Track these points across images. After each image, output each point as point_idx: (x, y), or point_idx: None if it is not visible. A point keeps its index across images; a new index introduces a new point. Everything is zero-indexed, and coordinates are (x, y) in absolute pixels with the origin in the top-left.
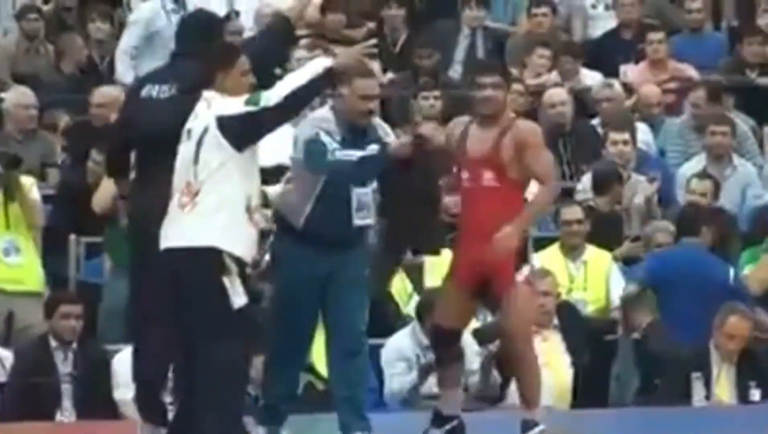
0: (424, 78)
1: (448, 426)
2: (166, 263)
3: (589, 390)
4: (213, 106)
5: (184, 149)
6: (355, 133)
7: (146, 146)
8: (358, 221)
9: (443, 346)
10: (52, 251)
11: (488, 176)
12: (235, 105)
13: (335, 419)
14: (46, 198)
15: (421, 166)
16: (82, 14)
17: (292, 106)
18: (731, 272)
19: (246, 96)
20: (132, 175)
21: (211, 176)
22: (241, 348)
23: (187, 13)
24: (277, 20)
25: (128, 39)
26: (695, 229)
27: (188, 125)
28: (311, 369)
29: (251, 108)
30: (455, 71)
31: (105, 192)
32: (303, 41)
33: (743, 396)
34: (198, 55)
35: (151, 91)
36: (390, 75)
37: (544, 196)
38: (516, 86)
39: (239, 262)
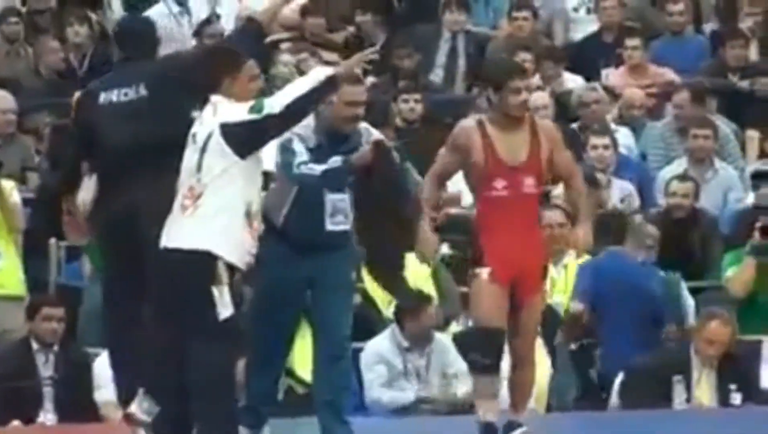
0: (404, 81)
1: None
2: (163, 263)
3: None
4: (218, 112)
5: (189, 154)
6: (336, 139)
7: (117, 151)
8: (331, 227)
9: (498, 348)
10: (32, 254)
11: (529, 183)
12: (239, 112)
13: (315, 423)
14: (26, 202)
15: (381, 173)
16: (60, 18)
17: (295, 114)
18: (659, 280)
19: (250, 103)
20: (86, 185)
21: (214, 181)
22: (227, 352)
23: (123, 19)
24: (247, 23)
25: None
26: (619, 237)
27: (193, 130)
28: (291, 373)
29: (254, 116)
30: (437, 75)
31: (83, 197)
32: (285, 45)
33: (724, 400)
34: (150, 56)
35: (110, 96)
36: (371, 79)
37: (584, 188)
38: None
39: (232, 269)
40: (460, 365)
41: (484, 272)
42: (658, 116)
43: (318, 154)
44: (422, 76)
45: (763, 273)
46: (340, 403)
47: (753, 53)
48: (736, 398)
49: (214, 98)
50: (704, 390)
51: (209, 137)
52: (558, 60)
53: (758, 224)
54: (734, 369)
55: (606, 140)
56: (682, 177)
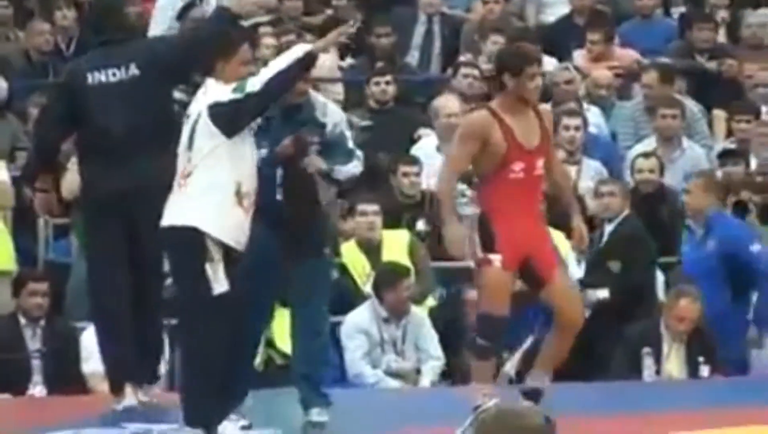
0: (381, 62)
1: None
2: (158, 241)
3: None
4: (208, 93)
5: (184, 133)
6: (288, 110)
7: (110, 131)
8: (279, 197)
9: (499, 335)
10: (22, 231)
11: (539, 165)
12: (224, 93)
13: (295, 393)
14: (15, 180)
15: (298, 165)
16: (48, 1)
17: (275, 91)
18: None
19: (234, 84)
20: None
21: (203, 160)
22: (217, 328)
23: (95, 2)
24: (220, 10)
25: (159, 24)
26: None
27: (188, 111)
28: (271, 345)
29: (237, 95)
30: (412, 57)
31: (73, 178)
32: (265, 29)
33: (693, 372)
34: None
35: (99, 77)
36: (348, 60)
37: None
38: (472, 71)
39: (224, 247)
40: (432, 341)
41: (496, 260)
42: (627, 97)
43: (269, 126)
44: (398, 58)
45: None
46: (318, 376)
47: (721, 36)
48: (705, 370)
49: (209, 81)
50: (674, 363)
51: (198, 117)
52: (531, 42)
53: (731, 199)
54: (702, 342)
55: (578, 121)
56: (647, 154)
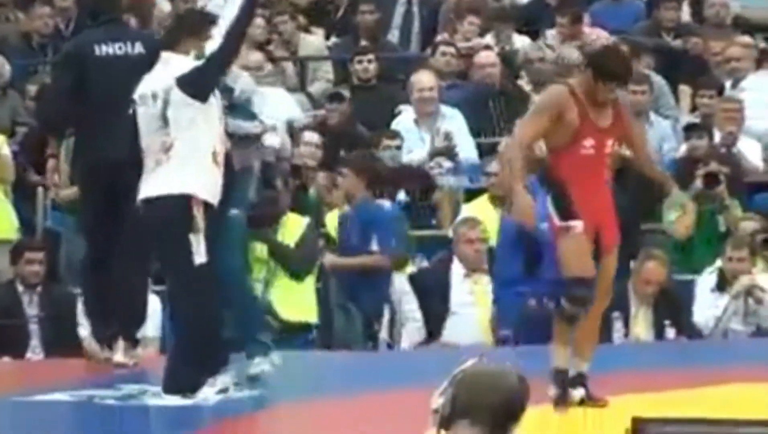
0: (365, 41)
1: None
2: (143, 213)
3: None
4: (172, 67)
5: (151, 112)
6: None
7: (111, 101)
8: None
9: (591, 297)
10: (22, 200)
11: (609, 144)
12: (188, 63)
13: (298, 356)
14: (15, 154)
15: None
16: None
17: (233, 43)
18: None
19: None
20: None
21: (182, 131)
22: (203, 297)
23: None
24: None
25: None
26: None
27: (151, 88)
28: (269, 311)
29: (200, 62)
30: (393, 36)
31: None
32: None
33: (659, 334)
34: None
35: (108, 50)
36: (333, 39)
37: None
38: (448, 49)
39: (208, 208)
40: (412, 310)
41: (578, 225)
42: None
43: None
44: (381, 37)
45: (700, 218)
46: (251, 325)
47: (686, 15)
48: (670, 332)
49: (165, 55)
50: (641, 326)
51: (169, 91)
52: (507, 20)
53: (700, 172)
54: (669, 305)
55: None
56: None
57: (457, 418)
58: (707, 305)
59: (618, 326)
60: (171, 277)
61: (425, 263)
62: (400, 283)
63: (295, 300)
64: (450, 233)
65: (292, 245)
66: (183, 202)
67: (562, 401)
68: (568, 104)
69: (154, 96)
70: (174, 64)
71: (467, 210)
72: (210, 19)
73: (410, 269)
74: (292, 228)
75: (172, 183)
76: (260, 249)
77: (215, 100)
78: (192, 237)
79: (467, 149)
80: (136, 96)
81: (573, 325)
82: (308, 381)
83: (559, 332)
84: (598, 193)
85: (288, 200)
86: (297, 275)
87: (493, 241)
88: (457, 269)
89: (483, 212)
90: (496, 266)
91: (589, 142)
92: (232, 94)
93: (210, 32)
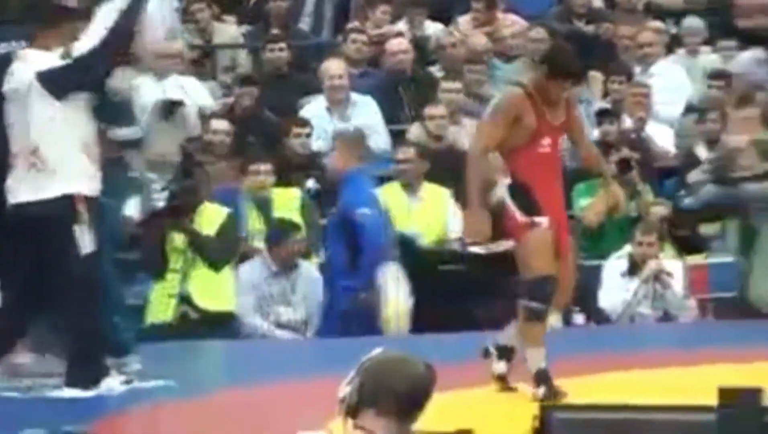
0: (275, 29)
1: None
2: (20, 218)
3: (426, 315)
4: (30, 63)
5: (15, 110)
6: None
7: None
8: None
9: (552, 295)
10: None
11: (561, 141)
12: (52, 59)
13: (210, 345)
14: None
15: None
16: None
17: (105, 49)
18: None
19: (59, 52)
20: None
21: (47, 130)
22: (88, 290)
23: None
24: None
25: None
26: None
27: (11, 86)
28: (187, 300)
29: (67, 61)
30: (305, 23)
31: None
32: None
33: (567, 320)
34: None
35: (7, 48)
36: (245, 27)
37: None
38: (360, 36)
39: (90, 203)
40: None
41: (544, 222)
42: (509, 59)
43: None
44: (292, 25)
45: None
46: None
47: (597, 1)
48: (579, 318)
49: (22, 52)
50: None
51: (29, 88)
52: (418, 6)
53: (614, 158)
54: (577, 291)
55: (458, 84)
56: None
57: (363, 407)
58: (616, 290)
59: None
60: (58, 275)
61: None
62: (310, 271)
63: (213, 290)
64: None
65: (211, 234)
66: (65, 202)
67: (552, 398)
68: (524, 106)
69: (17, 93)
70: (33, 61)
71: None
72: (69, 13)
73: (321, 257)
74: (211, 218)
75: (48, 187)
76: (178, 239)
77: (83, 98)
78: (77, 229)
79: (379, 137)
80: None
81: (543, 323)
82: (218, 371)
83: (529, 333)
84: (556, 191)
85: (207, 189)
86: (215, 265)
87: (403, 229)
88: None
89: (393, 198)
90: (326, 257)
91: (546, 141)
92: (104, 95)
93: (73, 28)
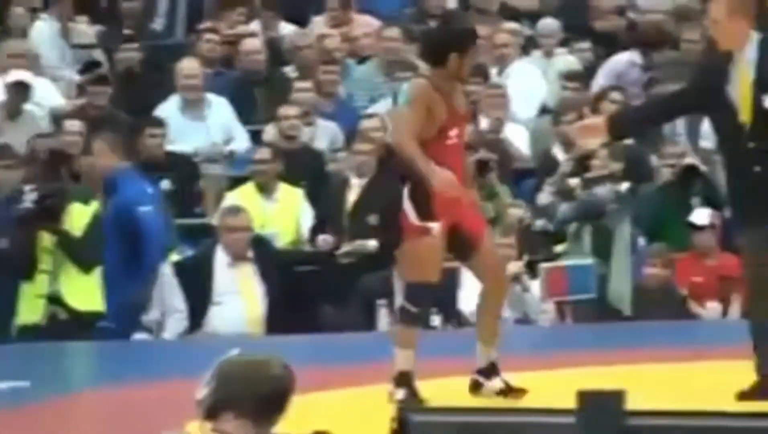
0: (128, 29)
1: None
2: None
3: (281, 316)
4: None
5: None
6: None
7: None
8: None
9: (430, 302)
10: None
11: (464, 132)
12: None
13: (73, 346)
14: None
15: None
16: None
17: None
18: None
19: None
20: None
21: None
22: None
23: None
24: None
25: None
26: None
27: None
28: (57, 301)
29: None
30: (159, 23)
31: None
32: None
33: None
34: None
35: None
36: (98, 27)
37: None
38: (213, 36)
39: None
40: (176, 295)
41: (435, 228)
42: (364, 60)
43: None
44: (146, 24)
45: None
46: None
47: (452, 1)
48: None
49: None
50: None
51: None
52: (272, 8)
53: (472, 159)
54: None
55: (309, 84)
56: (370, 115)
57: (220, 409)
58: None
59: (383, 313)
60: None
61: (189, 252)
62: (164, 272)
63: (83, 290)
64: (215, 222)
65: (79, 235)
66: None
67: (411, 400)
68: (433, 97)
69: None
70: None
71: (231, 198)
72: None
73: (174, 258)
74: (79, 218)
75: None
76: (47, 240)
77: None
78: None
79: (236, 137)
80: None
81: (416, 327)
82: (77, 371)
83: (401, 335)
84: (462, 184)
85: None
86: (84, 265)
87: (258, 229)
88: (221, 258)
89: (248, 199)
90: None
91: (453, 132)
92: None
93: None
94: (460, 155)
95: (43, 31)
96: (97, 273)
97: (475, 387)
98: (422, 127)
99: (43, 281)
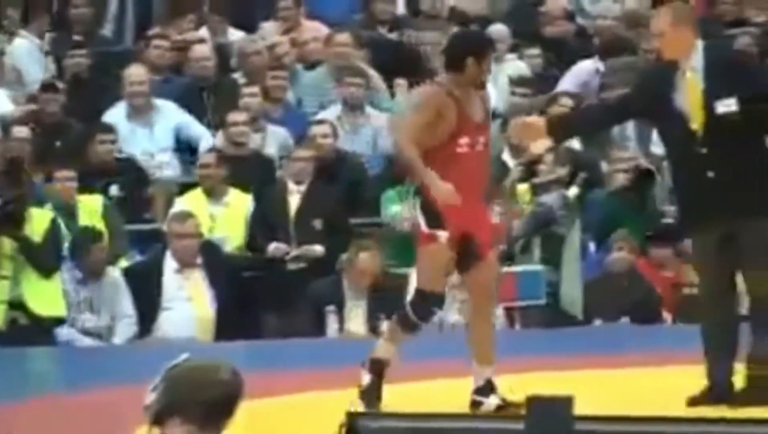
0: (77, 36)
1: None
2: None
3: (230, 322)
4: None
5: None
6: None
7: None
8: None
9: (433, 312)
10: None
11: (482, 141)
12: None
13: (41, 352)
14: None
15: None
16: None
17: None
18: None
19: None
20: None
21: None
22: None
23: None
24: None
25: None
26: None
27: None
28: (18, 306)
29: None
30: (108, 30)
31: None
32: None
33: (373, 328)
34: None
35: None
36: (49, 34)
37: None
38: (162, 43)
39: None
40: (126, 301)
41: (442, 237)
42: (313, 66)
43: None
44: (94, 30)
45: None
46: None
47: (401, 8)
48: (385, 326)
49: None
50: (355, 319)
51: None
52: (221, 14)
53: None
54: (383, 298)
55: (256, 89)
56: (319, 121)
57: (168, 415)
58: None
59: (332, 319)
60: None
61: (139, 258)
62: (114, 277)
63: (44, 295)
64: (164, 227)
65: (39, 240)
66: None
67: (373, 390)
68: (443, 103)
69: None
70: None
71: (180, 204)
72: None
73: (124, 263)
74: (39, 224)
75: None
76: (8, 245)
77: None
78: None
79: (198, 137)
80: None
81: (411, 335)
82: (27, 378)
83: (393, 332)
84: (473, 194)
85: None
86: (44, 270)
87: (206, 234)
88: (170, 263)
89: (196, 205)
90: None
91: (464, 139)
92: None
93: None
94: (475, 165)
95: (23, 46)
96: (57, 278)
97: (475, 407)
98: (429, 132)
99: (4, 286)
